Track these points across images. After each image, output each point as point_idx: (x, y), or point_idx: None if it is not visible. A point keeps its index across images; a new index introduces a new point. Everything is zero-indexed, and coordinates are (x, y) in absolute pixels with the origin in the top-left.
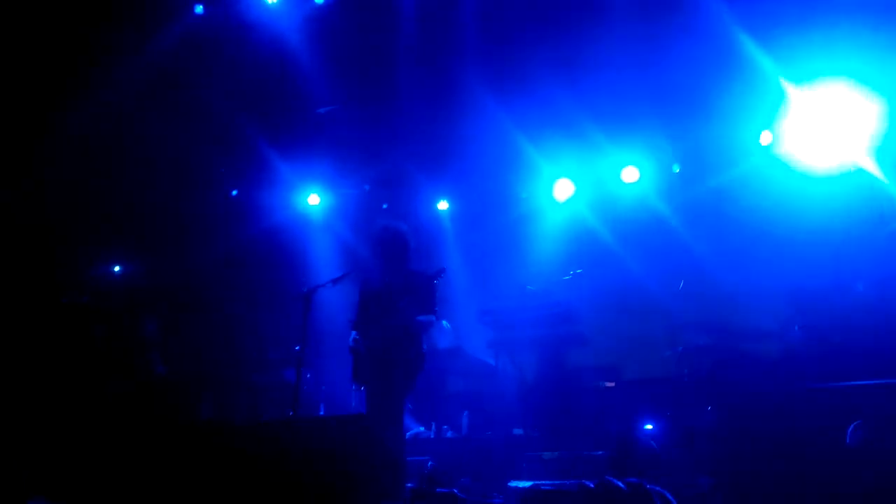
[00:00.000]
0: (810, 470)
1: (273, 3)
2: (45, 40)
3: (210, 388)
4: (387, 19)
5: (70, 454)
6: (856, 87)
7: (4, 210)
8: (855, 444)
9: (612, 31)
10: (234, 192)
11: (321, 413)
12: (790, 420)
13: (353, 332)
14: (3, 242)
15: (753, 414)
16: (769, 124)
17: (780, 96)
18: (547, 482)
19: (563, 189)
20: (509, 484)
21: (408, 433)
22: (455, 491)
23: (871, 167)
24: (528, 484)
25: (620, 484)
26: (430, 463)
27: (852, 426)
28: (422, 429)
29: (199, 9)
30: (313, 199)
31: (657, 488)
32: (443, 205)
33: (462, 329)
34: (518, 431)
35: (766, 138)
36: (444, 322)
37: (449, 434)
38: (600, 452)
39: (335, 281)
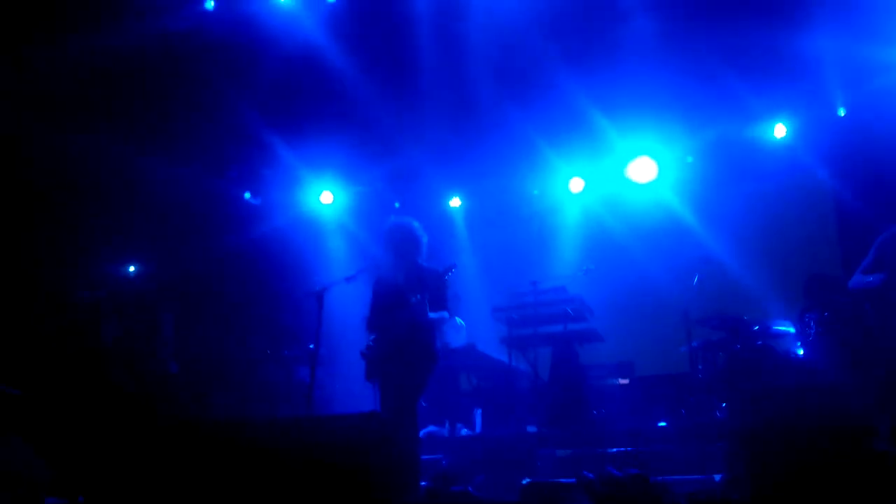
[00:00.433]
0: (825, 466)
1: (285, 2)
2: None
3: (223, 386)
4: (400, 17)
5: (83, 453)
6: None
7: (22, 207)
8: None
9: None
10: (248, 195)
11: (335, 411)
12: (805, 416)
13: (368, 339)
14: (21, 239)
15: (768, 410)
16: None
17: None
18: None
19: (576, 185)
20: (523, 482)
21: (422, 431)
22: (469, 489)
23: None
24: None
25: (621, 475)
26: (444, 461)
27: None
28: (435, 427)
29: (210, 4)
30: (327, 197)
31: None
32: (455, 201)
33: (475, 326)
34: (532, 429)
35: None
36: (458, 319)
37: (463, 432)
38: (613, 450)
39: (349, 279)
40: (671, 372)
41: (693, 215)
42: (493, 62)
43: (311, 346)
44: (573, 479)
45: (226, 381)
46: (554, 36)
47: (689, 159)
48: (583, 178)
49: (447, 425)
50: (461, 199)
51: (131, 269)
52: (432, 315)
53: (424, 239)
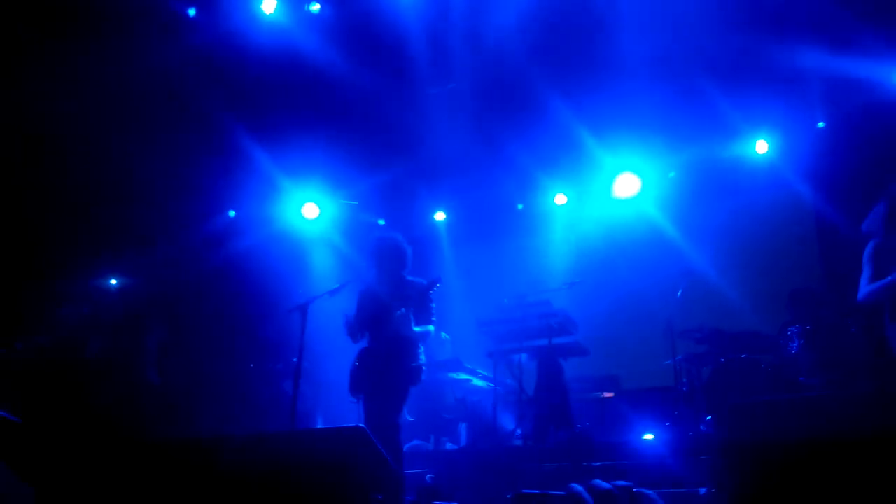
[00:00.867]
0: (811, 480)
1: (269, 14)
2: (32, 47)
3: (207, 400)
4: (386, 30)
5: (65, 467)
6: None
7: (5, 223)
8: None
9: None
10: (232, 213)
11: (318, 425)
12: (790, 429)
13: (352, 348)
14: (4, 255)
15: (753, 423)
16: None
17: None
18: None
19: (560, 198)
20: (508, 496)
21: (406, 445)
22: None
23: None
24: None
25: (609, 486)
26: (428, 476)
27: None
28: (420, 441)
29: (192, 11)
30: (312, 211)
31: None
32: (440, 215)
33: (461, 340)
34: (517, 442)
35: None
36: (443, 333)
37: (448, 446)
38: (598, 463)
39: (332, 292)
40: (656, 385)
41: (676, 230)
42: (478, 78)
43: (295, 360)
44: (562, 493)
45: (210, 394)
46: (538, 55)
47: (672, 174)
48: (566, 194)
49: (432, 439)
50: (445, 212)
51: (113, 282)
52: (417, 329)
53: (409, 252)
